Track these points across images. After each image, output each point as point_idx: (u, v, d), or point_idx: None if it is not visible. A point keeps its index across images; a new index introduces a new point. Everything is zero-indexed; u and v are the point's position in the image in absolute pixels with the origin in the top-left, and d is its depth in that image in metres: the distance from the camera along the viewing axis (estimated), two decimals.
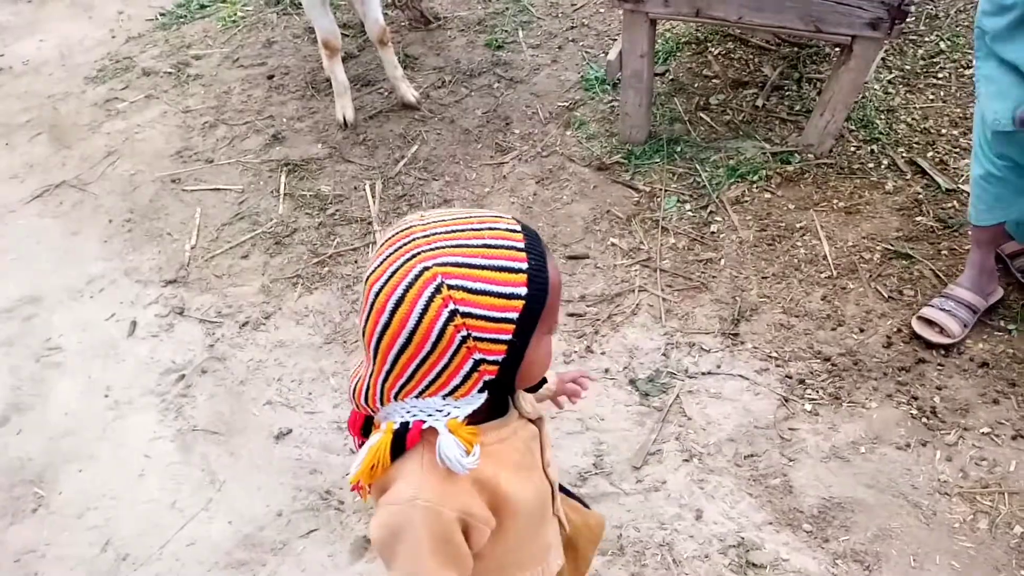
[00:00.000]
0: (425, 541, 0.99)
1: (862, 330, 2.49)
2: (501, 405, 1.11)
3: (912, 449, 2.18)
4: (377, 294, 0.94)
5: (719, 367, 2.44)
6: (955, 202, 2.83)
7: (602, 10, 4.11)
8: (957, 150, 3.03)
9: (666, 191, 3.08)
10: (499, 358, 0.95)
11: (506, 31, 4.06)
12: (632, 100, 3.17)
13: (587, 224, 3.02)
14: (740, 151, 3.18)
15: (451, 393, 0.98)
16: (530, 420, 1.16)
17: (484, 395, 1.00)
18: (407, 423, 1.00)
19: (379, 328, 0.95)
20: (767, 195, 2.99)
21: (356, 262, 2.99)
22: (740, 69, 3.60)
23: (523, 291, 0.93)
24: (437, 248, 0.93)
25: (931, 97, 3.28)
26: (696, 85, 3.58)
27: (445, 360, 0.95)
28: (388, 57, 3.56)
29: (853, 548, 2.00)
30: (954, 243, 2.70)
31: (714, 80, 3.58)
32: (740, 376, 2.41)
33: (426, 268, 0.91)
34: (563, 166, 3.28)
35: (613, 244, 2.92)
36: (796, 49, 3.60)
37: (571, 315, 2.69)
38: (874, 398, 2.32)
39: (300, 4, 4.40)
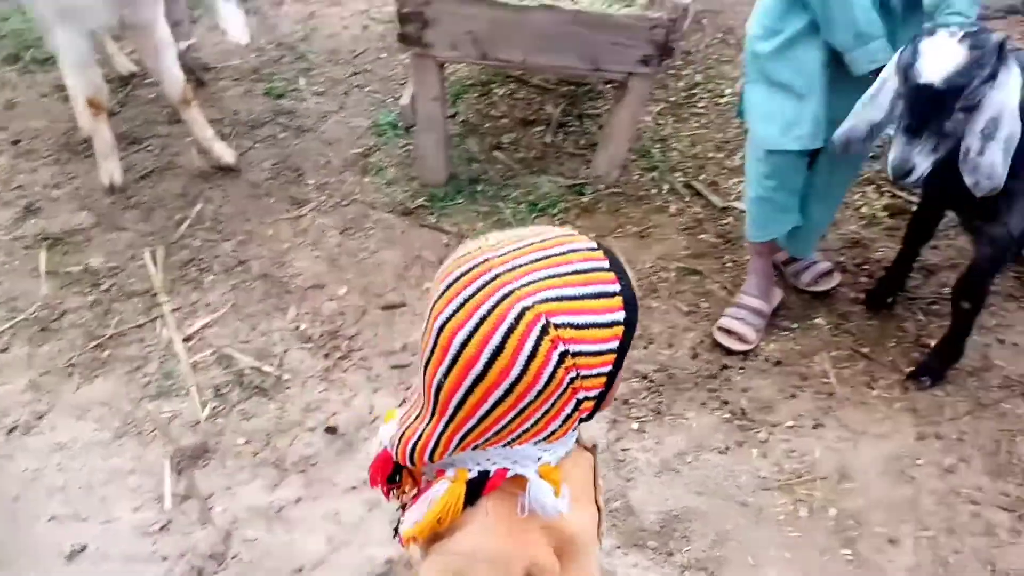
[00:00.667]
0: None
1: (670, 345, 2.64)
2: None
3: (731, 451, 2.33)
4: (465, 343, 0.81)
5: None
6: (731, 218, 3.10)
7: (384, 55, 4.10)
8: (724, 171, 3.33)
9: (473, 231, 3.10)
10: (598, 392, 0.87)
11: (286, 79, 3.91)
12: (429, 143, 3.17)
13: (399, 271, 2.96)
14: (537, 186, 3.29)
15: (546, 438, 0.89)
16: (586, 448, 1.07)
17: (576, 433, 0.92)
18: (487, 471, 0.90)
19: (469, 380, 0.83)
20: (568, 227, 3.10)
21: (142, 340, 2.69)
22: (525, 108, 3.74)
23: (622, 316, 0.84)
24: (530, 283, 0.81)
25: (695, 125, 3.59)
26: (487, 125, 3.66)
27: (548, 404, 0.85)
28: (195, 117, 3.25)
29: (696, 557, 2.09)
30: (735, 256, 2.95)
31: (503, 120, 3.69)
32: None
33: (526, 308, 0.80)
34: (366, 214, 3.19)
35: (428, 289, 2.87)
36: (573, 87, 3.80)
37: (395, 367, 2.61)
38: (691, 408, 2.46)
39: (46, 60, 3.96)
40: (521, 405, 0.84)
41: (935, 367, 2.37)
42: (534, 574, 0.95)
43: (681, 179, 3.29)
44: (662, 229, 3.07)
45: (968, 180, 1.82)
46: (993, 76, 1.73)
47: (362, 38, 4.21)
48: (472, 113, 3.74)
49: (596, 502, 1.10)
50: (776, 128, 2.22)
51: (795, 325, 2.68)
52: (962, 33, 1.76)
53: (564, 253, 0.84)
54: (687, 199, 3.21)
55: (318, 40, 4.19)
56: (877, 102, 1.92)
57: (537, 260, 0.83)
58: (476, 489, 0.90)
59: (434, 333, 0.84)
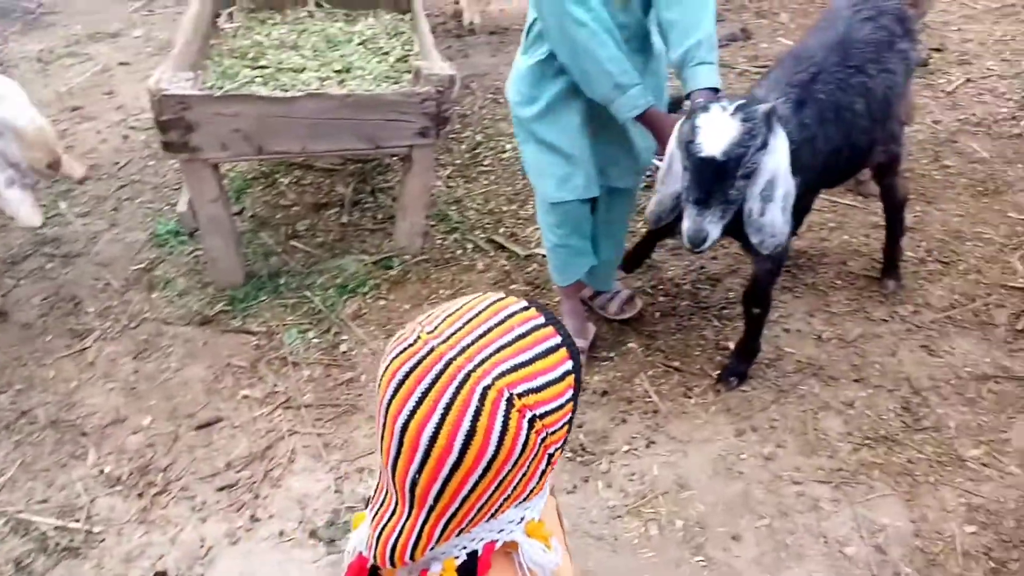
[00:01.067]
0: None
1: None
2: None
3: (579, 488, 2.38)
4: (435, 436, 0.81)
5: None
6: (535, 265, 3.23)
7: (151, 163, 3.90)
8: (521, 221, 3.47)
9: (284, 326, 2.99)
10: (562, 443, 0.89)
11: (43, 205, 3.61)
12: (218, 245, 3.04)
13: (208, 385, 2.79)
14: (343, 268, 3.25)
15: (527, 498, 0.90)
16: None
17: (548, 488, 0.94)
18: (475, 551, 0.90)
19: (446, 470, 0.82)
20: (382, 302, 3.09)
21: None
22: (315, 193, 3.70)
23: (570, 364, 0.87)
24: (483, 360, 0.82)
25: (485, 182, 3.72)
26: (279, 216, 3.58)
27: (525, 468, 0.86)
28: None
29: None
30: (547, 299, 3.06)
31: (294, 208, 3.62)
32: None
33: (487, 387, 0.81)
34: (160, 332, 2.99)
35: (245, 397, 2.74)
36: (361, 165, 3.82)
37: (222, 489, 2.44)
38: None
39: None
40: (500, 478, 0.84)
41: (738, 367, 2.57)
42: None
43: (482, 236, 3.38)
44: (474, 287, 3.13)
45: (754, 239, 2.01)
46: (765, 144, 1.92)
47: (124, 149, 4.00)
48: (260, 206, 3.64)
49: (564, 543, 1.11)
50: (553, 183, 2.35)
51: (612, 353, 2.82)
52: (733, 107, 1.93)
53: (503, 321, 0.86)
54: (492, 254, 3.30)
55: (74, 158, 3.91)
56: (672, 174, 2.08)
57: (481, 336, 0.84)
58: (469, 572, 0.90)
59: (398, 433, 0.83)
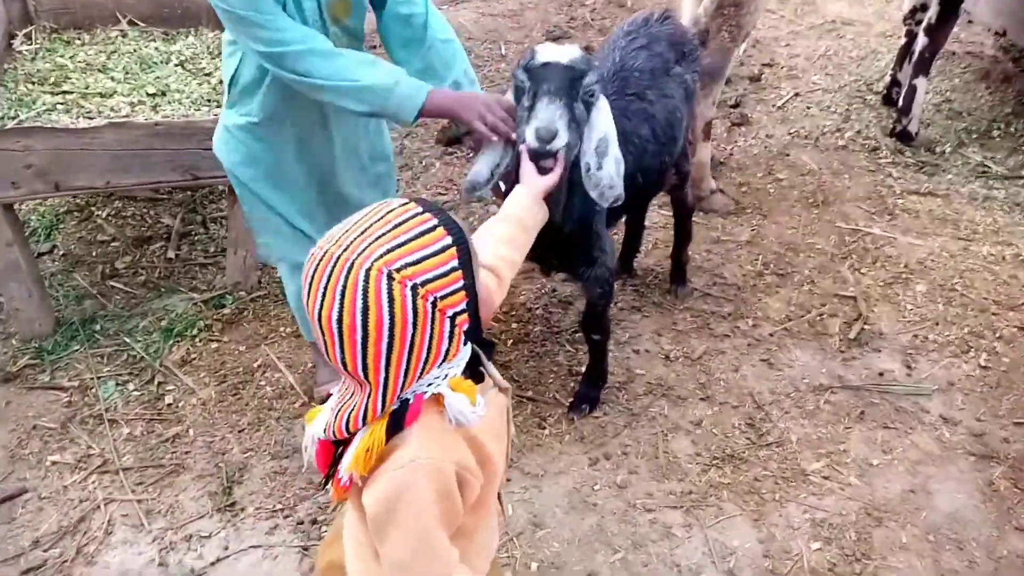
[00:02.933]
0: (430, 497, 1.08)
1: None
2: (476, 376, 1.17)
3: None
4: (340, 319, 1.01)
5: (227, 548, 2.20)
6: None
7: None
8: None
9: (99, 378, 2.69)
10: (464, 304, 1.07)
11: None
12: (18, 293, 2.71)
13: (11, 452, 2.46)
14: (169, 308, 2.97)
15: (445, 359, 1.08)
16: (500, 389, 1.25)
17: (469, 346, 1.12)
18: (406, 400, 1.08)
19: (359, 347, 1.02)
20: (214, 344, 2.84)
21: None
22: (138, 225, 3.39)
23: (449, 240, 1.05)
24: (364, 250, 1.01)
25: None
26: (95, 253, 3.24)
27: (429, 332, 1.04)
28: None
29: None
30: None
31: (113, 243, 3.30)
32: (252, 547, 2.20)
33: (368, 269, 1.00)
34: None
35: (55, 463, 2.43)
36: (190, 192, 3.53)
37: (27, 572, 2.14)
38: None
39: None
40: (408, 343, 1.02)
41: (588, 393, 2.53)
42: (464, 477, 1.12)
43: None
44: None
45: (593, 194, 1.92)
46: (596, 92, 1.84)
47: None
48: (74, 243, 3.29)
49: (509, 435, 1.30)
50: (288, 243, 2.29)
51: None
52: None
53: (383, 217, 1.05)
54: None
55: None
56: (492, 148, 1.96)
57: (363, 232, 1.03)
58: (399, 418, 1.07)
59: (319, 328, 1.04)
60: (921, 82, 3.77)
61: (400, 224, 1.03)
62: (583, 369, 2.67)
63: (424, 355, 1.05)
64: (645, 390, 2.60)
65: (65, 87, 3.02)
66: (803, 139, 3.96)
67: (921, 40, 3.80)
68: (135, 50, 3.30)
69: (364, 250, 1.01)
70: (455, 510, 1.12)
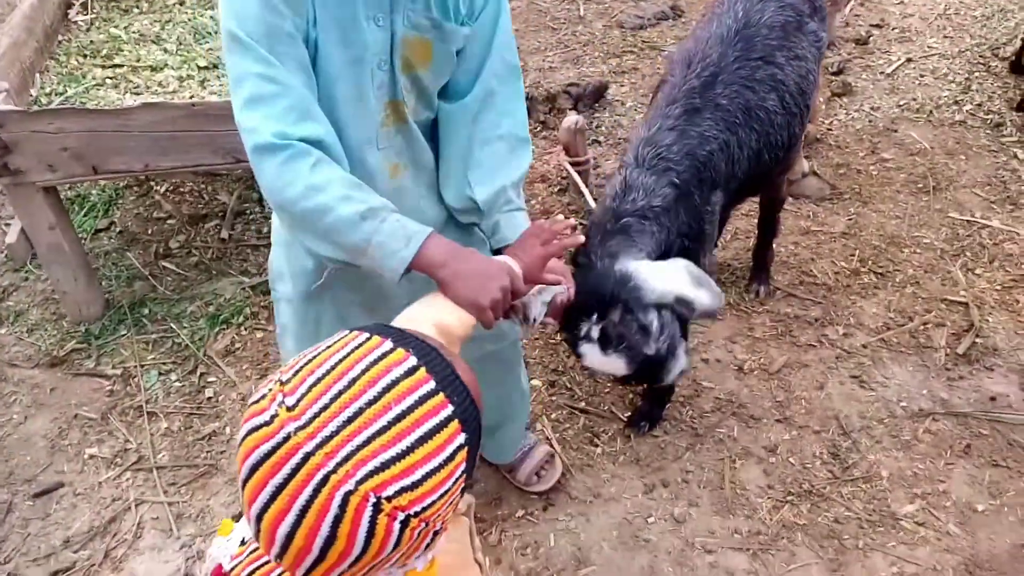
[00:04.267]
0: None
1: None
2: None
3: None
4: (291, 536, 0.73)
5: None
6: None
7: None
8: None
9: (143, 367, 2.62)
10: (451, 512, 0.80)
11: None
12: (64, 276, 2.65)
13: (52, 442, 2.42)
14: (218, 293, 2.87)
15: (405, 563, 0.82)
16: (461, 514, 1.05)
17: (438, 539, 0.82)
18: None
19: (307, 564, 0.75)
20: (259, 334, 2.73)
21: None
22: (195, 202, 3.30)
23: (462, 438, 0.77)
24: (345, 459, 0.72)
25: None
26: (150, 231, 3.18)
27: (402, 553, 0.77)
28: None
29: None
30: None
31: (169, 221, 3.22)
32: None
33: (349, 492, 0.71)
34: (3, 376, 2.61)
35: (92, 457, 2.38)
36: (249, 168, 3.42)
37: (57, 574, 2.09)
38: None
39: None
40: (373, 565, 0.76)
41: (650, 412, 2.27)
42: None
43: None
44: None
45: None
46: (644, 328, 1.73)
47: None
48: (131, 220, 3.23)
49: (477, 560, 1.07)
50: None
51: None
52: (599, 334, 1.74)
53: (377, 397, 0.74)
54: None
55: None
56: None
57: (348, 421, 0.73)
58: None
59: (254, 519, 0.75)
60: None
61: (404, 416, 0.74)
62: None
63: (391, 566, 0.80)
64: (713, 407, 2.33)
65: (117, 60, 2.92)
66: (914, 112, 3.51)
67: None
68: (190, 19, 3.17)
69: (346, 459, 0.72)
70: None
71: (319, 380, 0.75)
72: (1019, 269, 2.70)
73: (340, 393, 0.74)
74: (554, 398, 2.41)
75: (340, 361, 0.77)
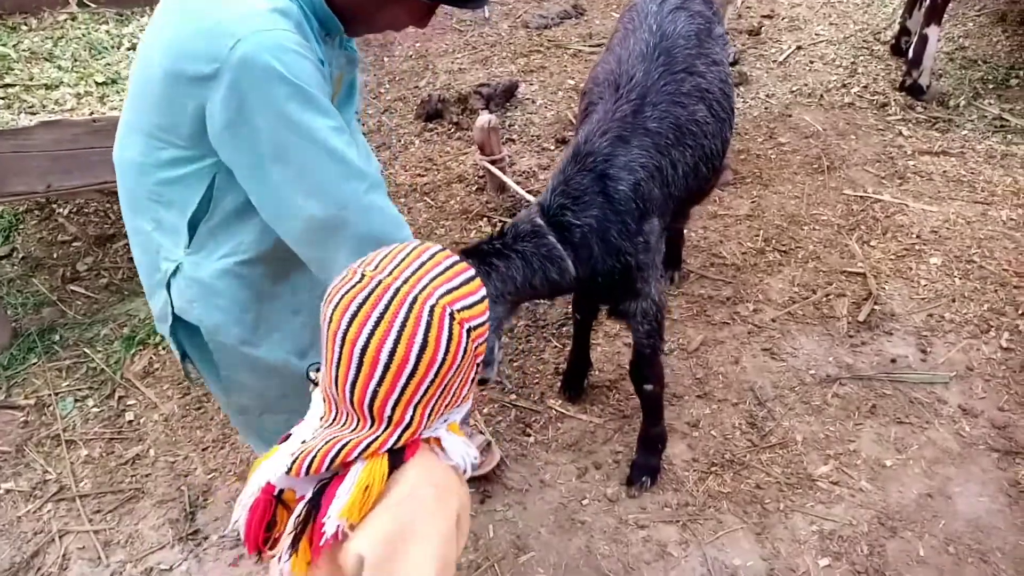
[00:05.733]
0: (437, 530, 0.99)
1: None
2: None
3: None
4: (392, 352, 0.96)
5: None
6: None
7: None
8: None
9: (57, 394, 2.53)
10: (482, 354, 1.05)
11: None
12: None
13: None
14: (131, 314, 2.80)
15: (459, 405, 1.06)
16: None
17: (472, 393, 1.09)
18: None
19: (403, 380, 0.97)
20: None
21: None
22: (100, 222, 3.20)
23: (483, 291, 1.05)
24: (426, 286, 0.99)
25: None
26: (56, 255, 3.07)
27: (463, 374, 1.02)
28: None
29: None
30: None
31: (75, 243, 3.11)
32: None
33: (433, 306, 0.98)
34: None
35: (9, 491, 2.28)
36: None
37: None
38: None
39: None
40: (445, 383, 1.00)
41: (648, 462, 2.15)
42: (460, 515, 1.04)
43: None
44: None
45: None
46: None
47: None
48: (35, 245, 3.11)
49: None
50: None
51: None
52: None
53: (431, 258, 1.03)
54: None
55: None
56: None
57: (418, 268, 1.01)
58: (399, 454, 1.01)
59: (356, 354, 0.97)
60: (933, 31, 3.49)
61: (449, 268, 1.02)
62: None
63: (451, 397, 1.03)
64: None
65: (8, 79, 2.81)
66: (806, 97, 3.70)
67: None
68: (84, 34, 3.08)
69: (427, 286, 0.99)
70: (452, 548, 1.01)
71: (387, 253, 1.02)
72: (910, 239, 2.88)
73: (407, 255, 1.02)
74: (485, 392, 2.45)
75: (395, 247, 1.04)
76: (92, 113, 2.59)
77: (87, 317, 2.80)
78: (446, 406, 1.03)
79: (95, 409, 2.49)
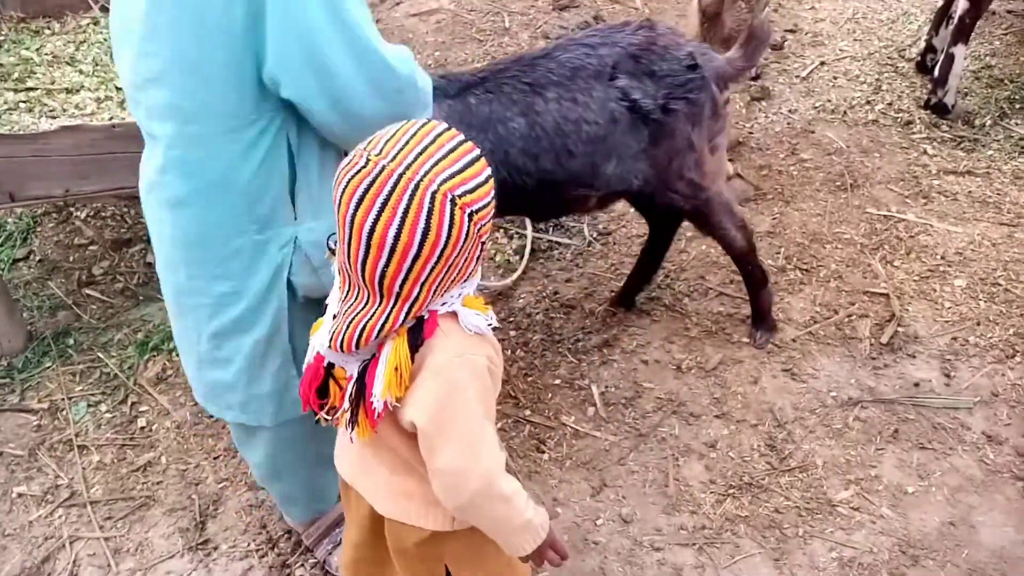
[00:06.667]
0: (475, 394, 1.14)
1: None
2: None
3: None
4: (397, 235, 1.04)
5: None
6: None
7: None
8: None
9: (71, 399, 2.53)
10: (488, 232, 1.12)
11: None
12: None
13: None
14: (146, 320, 2.79)
15: (466, 280, 1.14)
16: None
17: (479, 269, 1.17)
18: (421, 317, 1.12)
19: (408, 261, 1.05)
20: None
21: None
22: (117, 227, 3.20)
23: (488, 171, 1.10)
24: (427, 172, 1.04)
25: None
26: (72, 259, 3.07)
27: (467, 254, 1.10)
28: None
29: None
30: None
31: (91, 247, 3.12)
32: None
33: (434, 192, 1.04)
34: None
35: (21, 495, 2.28)
36: None
37: None
38: None
39: None
40: (449, 263, 1.07)
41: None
42: (492, 369, 1.17)
43: None
44: None
45: None
46: None
47: None
48: (51, 248, 3.12)
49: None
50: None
51: None
52: None
53: (435, 139, 1.07)
54: None
55: None
56: None
57: (421, 152, 1.05)
58: (418, 334, 1.11)
59: (364, 237, 1.05)
60: (959, 50, 3.44)
61: (453, 150, 1.07)
62: (586, 383, 2.46)
63: (456, 275, 1.10)
64: (654, 406, 2.38)
65: (30, 83, 2.82)
66: (829, 113, 3.66)
67: (962, 3, 3.45)
68: (105, 39, 3.08)
69: (428, 172, 1.04)
70: (492, 402, 1.19)
71: (392, 135, 1.07)
72: (935, 259, 2.84)
73: (411, 138, 1.06)
74: (499, 408, 2.42)
75: (402, 126, 1.09)
76: (112, 118, 2.59)
77: (102, 321, 2.80)
78: (452, 281, 1.11)
79: (108, 414, 2.49)
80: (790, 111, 3.68)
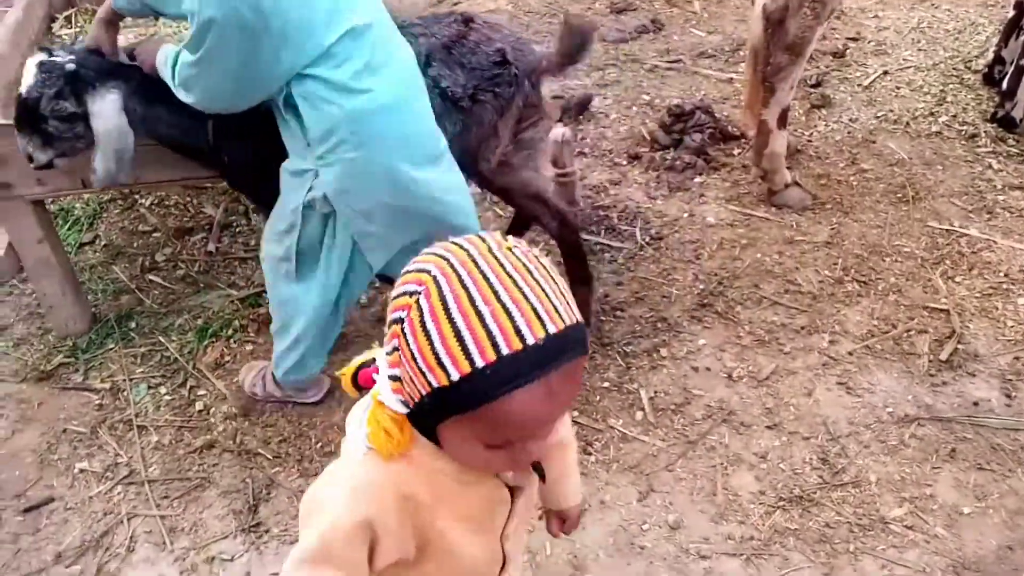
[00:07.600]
0: (331, 525, 0.96)
1: None
2: None
3: None
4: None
5: (248, 574, 2.08)
6: None
7: None
8: None
9: (131, 380, 2.61)
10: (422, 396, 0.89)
11: None
12: (51, 291, 2.63)
13: (41, 456, 2.40)
14: (205, 306, 2.86)
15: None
16: (506, 485, 1.07)
17: (401, 407, 0.94)
18: (370, 360, 1.04)
19: None
20: (249, 346, 2.72)
21: None
22: (180, 215, 3.29)
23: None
24: None
25: None
26: (136, 244, 3.16)
27: None
28: None
29: None
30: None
31: (155, 234, 3.21)
32: (274, 574, 2.08)
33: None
34: None
35: (83, 471, 2.36)
36: None
37: None
38: None
39: None
40: None
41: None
42: (378, 534, 0.96)
43: None
44: (354, 322, 2.79)
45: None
46: (61, 95, 2.11)
47: None
48: (116, 233, 3.22)
49: (503, 547, 1.12)
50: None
51: None
52: (40, 58, 2.14)
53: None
54: (378, 285, 2.95)
55: None
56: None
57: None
58: (356, 375, 1.08)
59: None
60: None
61: None
62: (635, 387, 2.45)
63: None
64: (704, 414, 2.36)
65: None
66: (891, 124, 3.59)
67: None
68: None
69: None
70: (343, 559, 0.97)
71: None
72: (997, 276, 2.77)
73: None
74: None
75: None
76: None
77: (163, 307, 2.88)
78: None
79: (167, 396, 2.56)
80: (851, 120, 3.62)
